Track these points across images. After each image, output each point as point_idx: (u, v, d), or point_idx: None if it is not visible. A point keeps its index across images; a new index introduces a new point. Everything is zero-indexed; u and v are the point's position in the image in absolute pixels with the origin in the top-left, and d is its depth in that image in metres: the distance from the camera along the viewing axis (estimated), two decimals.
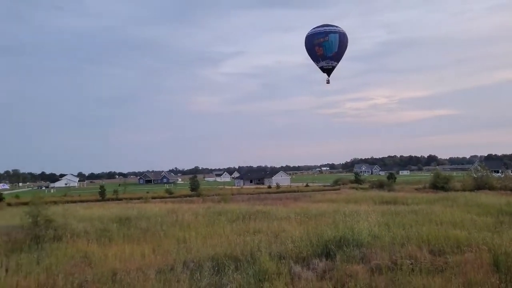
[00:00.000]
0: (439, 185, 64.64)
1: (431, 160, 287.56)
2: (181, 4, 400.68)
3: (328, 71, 30.90)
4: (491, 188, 58.41)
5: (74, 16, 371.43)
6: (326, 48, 30.01)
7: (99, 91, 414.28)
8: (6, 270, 14.20)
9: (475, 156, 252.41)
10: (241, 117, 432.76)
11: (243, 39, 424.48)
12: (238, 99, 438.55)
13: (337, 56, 30.52)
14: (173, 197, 70.52)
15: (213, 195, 62.25)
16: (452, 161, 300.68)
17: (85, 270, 13.91)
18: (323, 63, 30.43)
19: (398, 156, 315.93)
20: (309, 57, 31.43)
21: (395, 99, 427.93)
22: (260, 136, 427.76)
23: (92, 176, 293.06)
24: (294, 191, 76.79)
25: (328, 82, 30.89)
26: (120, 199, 65.50)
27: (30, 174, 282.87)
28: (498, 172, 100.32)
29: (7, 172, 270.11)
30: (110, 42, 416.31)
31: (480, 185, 60.23)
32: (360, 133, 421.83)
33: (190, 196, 72.46)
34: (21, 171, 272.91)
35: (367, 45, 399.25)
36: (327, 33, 30.12)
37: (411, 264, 12.72)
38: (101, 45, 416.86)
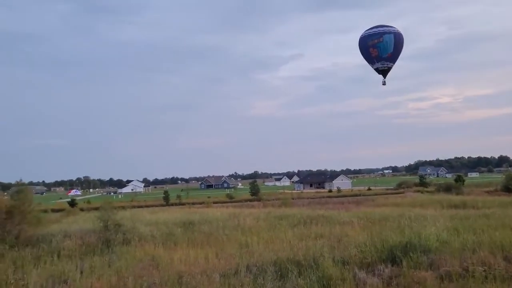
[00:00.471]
0: None
1: (503, 161, 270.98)
2: (237, 11, 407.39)
3: (383, 72, 30.46)
4: None
5: (136, 29, 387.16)
6: (381, 49, 29.60)
7: (161, 99, 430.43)
8: (81, 272, 15.05)
9: None
10: (299, 121, 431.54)
11: (299, 42, 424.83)
12: (296, 102, 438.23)
13: (393, 57, 29.99)
14: (234, 202, 71.57)
15: (273, 200, 62.42)
16: None
17: (153, 273, 14.42)
18: (378, 65, 30.01)
19: (466, 157, 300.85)
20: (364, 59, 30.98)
21: (459, 98, 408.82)
22: (319, 139, 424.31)
23: (156, 182, 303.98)
24: (356, 195, 75.38)
25: (384, 83, 30.55)
26: (183, 204, 67.49)
27: (100, 180, 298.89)
28: None
29: (78, 179, 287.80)
30: (172, 51, 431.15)
31: None
32: (423, 134, 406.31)
33: (250, 200, 73.17)
34: (91, 177, 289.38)
35: (428, 42, 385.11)
36: (381, 34, 29.70)
37: (484, 271, 12.04)
38: (162, 55, 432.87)
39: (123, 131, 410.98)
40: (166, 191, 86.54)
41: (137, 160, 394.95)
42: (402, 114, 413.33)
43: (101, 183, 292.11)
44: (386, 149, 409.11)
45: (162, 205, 68.81)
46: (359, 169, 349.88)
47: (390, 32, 29.77)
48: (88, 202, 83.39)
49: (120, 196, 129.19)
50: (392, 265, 13.53)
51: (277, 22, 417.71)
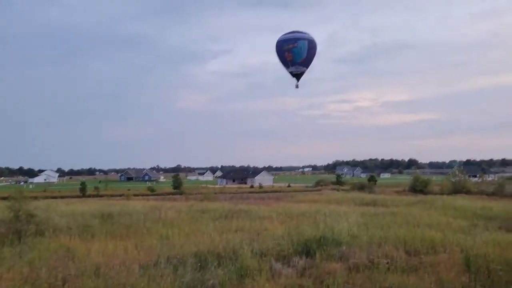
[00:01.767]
0: (418, 188, 66.06)
1: (412, 163, 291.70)
2: (170, 1, 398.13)
3: (297, 76, 31.82)
4: (468, 192, 59.86)
5: (62, 11, 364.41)
6: (295, 54, 31.11)
7: (83, 86, 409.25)
8: None
9: (454, 161, 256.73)
10: (225, 116, 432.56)
11: (231, 38, 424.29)
12: (224, 98, 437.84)
13: (306, 62, 31.72)
14: (156, 195, 70.39)
15: (196, 194, 62.32)
16: (432, 165, 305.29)
17: (68, 264, 14.01)
18: (292, 68, 31.60)
19: (380, 159, 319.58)
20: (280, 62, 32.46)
21: (378, 102, 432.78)
22: (243, 136, 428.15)
23: (72, 172, 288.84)
24: (277, 191, 77.31)
25: (297, 87, 31.96)
26: (101, 196, 65.24)
27: (8, 168, 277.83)
28: (476, 177, 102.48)
29: None
30: (98, 37, 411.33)
31: (457, 189, 61.69)
32: (343, 135, 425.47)
33: (173, 194, 72.38)
34: None
35: (353, 47, 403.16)
36: (296, 40, 31.31)
37: (387, 263, 13.18)
38: (88, 40, 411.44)
39: (39, 117, 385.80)
40: (83, 182, 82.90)
41: (51, 149, 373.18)
42: (325, 115, 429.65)
43: (10, 172, 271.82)
44: (308, 149, 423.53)
45: (79, 197, 65.96)
46: (281, 167, 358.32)
47: (304, 39, 31.47)
48: None
49: (31, 186, 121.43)
50: (307, 257, 14.35)
51: (209, 15, 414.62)
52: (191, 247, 16.06)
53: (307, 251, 15.05)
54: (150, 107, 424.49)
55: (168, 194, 72.34)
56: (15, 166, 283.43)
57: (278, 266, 13.15)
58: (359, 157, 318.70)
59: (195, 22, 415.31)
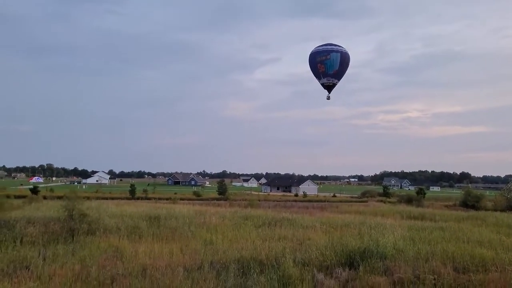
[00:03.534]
0: (469, 203, 63.25)
1: (464, 177, 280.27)
2: (220, 11, 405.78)
3: (328, 87, 32.64)
4: None
5: (117, 20, 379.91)
6: (327, 66, 31.69)
7: (136, 93, 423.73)
8: (44, 259, 15.08)
9: (510, 176, 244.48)
10: (271, 124, 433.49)
11: (279, 47, 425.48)
12: (270, 106, 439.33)
13: (338, 74, 32.22)
14: (201, 200, 71.48)
15: (240, 200, 62.79)
16: (486, 179, 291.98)
17: (117, 264, 14.59)
18: (324, 80, 32.19)
19: (430, 171, 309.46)
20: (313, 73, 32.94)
21: (428, 113, 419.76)
22: (289, 143, 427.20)
23: (122, 175, 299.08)
24: (321, 201, 76.50)
25: (328, 98, 32.35)
26: (149, 199, 66.98)
27: (63, 169, 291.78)
28: None
29: (41, 166, 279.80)
30: (150, 46, 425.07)
31: None
32: (391, 146, 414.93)
33: (217, 199, 73.23)
34: (55, 166, 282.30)
35: (403, 57, 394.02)
36: (329, 52, 31.98)
37: (434, 279, 12.82)
38: (141, 49, 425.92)
39: (94, 121, 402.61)
40: (133, 184, 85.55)
41: (104, 151, 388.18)
42: (372, 125, 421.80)
43: (65, 172, 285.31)
44: (354, 158, 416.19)
45: (128, 198, 68.07)
46: (326, 176, 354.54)
47: (337, 51, 31.96)
48: (51, 190, 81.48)
49: (84, 187, 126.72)
50: (350, 269, 14.19)
51: (258, 25, 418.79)
52: (234, 253, 16.28)
53: (350, 263, 14.88)
54: (199, 114, 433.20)
55: (213, 199, 73.26)
56: (70, 167, 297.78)
57: (320, 276, 13.07)
58: (408, 169, 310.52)
59: (244, 31, 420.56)
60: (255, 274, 12.82)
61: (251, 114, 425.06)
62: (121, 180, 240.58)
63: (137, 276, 12.72)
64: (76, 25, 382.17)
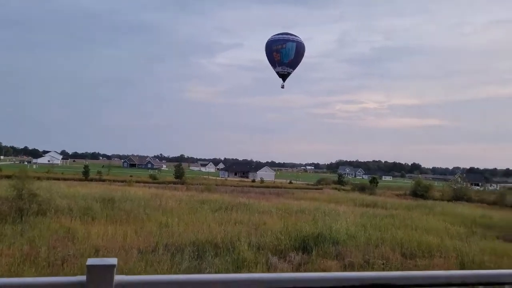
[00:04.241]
0: (419, 192, 65.85)
1: (415, 168, 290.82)
2: None
3: (283, 76, 33.26)
4: (469, 200, 59.68)
5: None
6: (283, 54, 32.46)
7: (92, 71, 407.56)
8: None
9: (458, 168, 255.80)
10: (232, 109, 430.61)
11: (242, 32, 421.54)
12: (231, 91, 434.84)
13: (293, 64, 33.27)
14: (157, 183, 70.55)
15: (197, 184, 62.50)
16: (435, 170, 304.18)
17: (68, 245, 14.25)
18: (279, 69, 33.07)
19: (383, 161, 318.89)
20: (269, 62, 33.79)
21: (385, 105, 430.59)
22: (248, 130, 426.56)
23: (76, 155, 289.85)
24: (278, 187, 77.38)
25: (282, 87, 33.15)
26: (104, 180, 65.50)
27: (13, 147, 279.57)
28: (478, 185, 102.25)
29: None
30: (109, 24, 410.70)
31: (458, 196, 61.51)
32: (347, 135, 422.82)
33: (174, 183, 72.51)
34: (3, 144, 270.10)
35: (363, 49, 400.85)
36: (285, 41, 32.82)
37: (383, 264, 13.34)
38: (100, 26, 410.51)
39: (47, 99, 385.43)
40: (87, 165, 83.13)
41: (57, 131, 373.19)
42: (330, 114, 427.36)
43: (14, 151, 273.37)
44: (311, 146, 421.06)
45: (81, 180, 66.24)
46: (284, 163, 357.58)
47: (293, 41, 33.05)
48: None
49: (35, 166, 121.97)
50: (303, 253, 14.54)
51: (222, 8, 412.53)
52: (189, 236, 16.27)
53: (304, 247, 15.23)
54: (158, 95, 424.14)
55: (170, 183, 72.47)
56: (20, 145, 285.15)
57: (274, 260, 13.33)
58: (362, 158, 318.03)
59: (207, 14, 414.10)
60: (210, 256, 12.90)
61: (211, 99, 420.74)
62: (74, 161, 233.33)
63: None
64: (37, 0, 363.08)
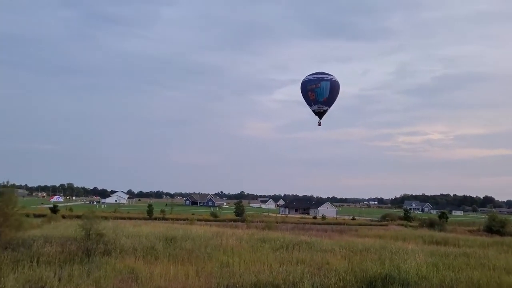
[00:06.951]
0: (494, 228, 61.33)
1: (487, 201, 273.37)
2: (240, 33, 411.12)
3: (319, 114, 33.86)
4: None
5: (141, 41, 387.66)
6: (317, 93, 32.99)
7: (154, 113, 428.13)
8: (59, 279, 14.95)
9: None
10: (290, 145, 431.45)
11: (298, 68, 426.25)
12: (289, 126, 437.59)
13: (328, 102, 34.05)
14: (218, 221, 71.09)
15: (257, 222, 62.21)
16: (510, 203, 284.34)
17: (132, 286, 14.40)
18: (315, 107, 33.70)
19: (452, 195, 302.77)
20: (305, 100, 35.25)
21: (450, 136, 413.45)
22: (308, 165, 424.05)
23: (141, 194, 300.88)
24: (340, 224, 75.27)
25: (319, 124, 33.79)
26: (167, 219, 66.91)
27: (83, 188, 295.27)
28: None
29: (62, 185, 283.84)
30: (170, 67, 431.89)
31: None
32: (412, 168, 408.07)
33: (234, 220, 72.68)
34: (75, 185, 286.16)
35: (424, 79, 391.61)
36: (319, 80, 33.70)
37: None
38: (161, 69, 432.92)
39: (114, 141, 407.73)
40: (150, 204, 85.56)
41: (123, 171, 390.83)
42: (392, 146, 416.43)
43: (85, 192, 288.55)
44: (374, 180, 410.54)
45: (145, 219, 68.08)
46: (345, 198, 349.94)
47: (327, 80, 33.65)
48: (70, 209, 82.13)
49: (103, 206, 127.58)
50: None
51: (278, 46, 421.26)
52: (250, 276, 15.91)
53: None
54: (217, 134, 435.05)
55: (230, 220, 72.76)
56: (90, 186, 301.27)
57: None
58: (429, 192, 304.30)
59: (263, 52, 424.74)
60: None
61: (270, 134, 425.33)
62: (139, 200, 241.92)
63: None
64: (104, 48, 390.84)
